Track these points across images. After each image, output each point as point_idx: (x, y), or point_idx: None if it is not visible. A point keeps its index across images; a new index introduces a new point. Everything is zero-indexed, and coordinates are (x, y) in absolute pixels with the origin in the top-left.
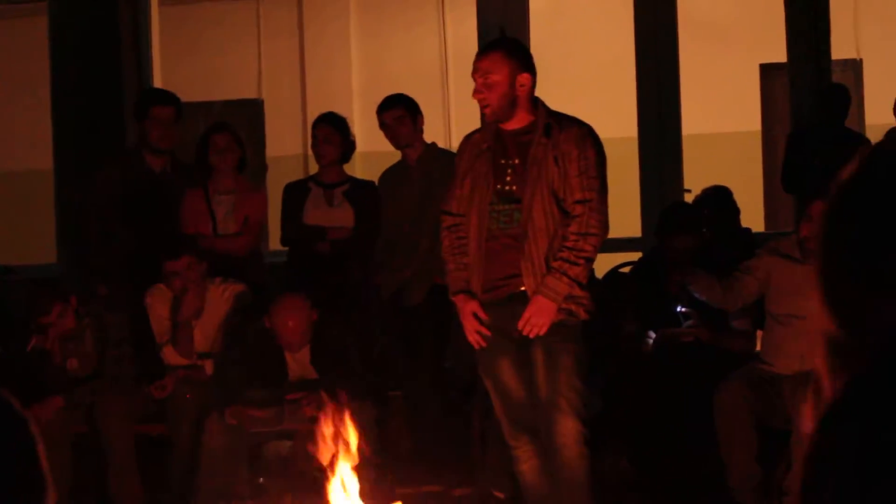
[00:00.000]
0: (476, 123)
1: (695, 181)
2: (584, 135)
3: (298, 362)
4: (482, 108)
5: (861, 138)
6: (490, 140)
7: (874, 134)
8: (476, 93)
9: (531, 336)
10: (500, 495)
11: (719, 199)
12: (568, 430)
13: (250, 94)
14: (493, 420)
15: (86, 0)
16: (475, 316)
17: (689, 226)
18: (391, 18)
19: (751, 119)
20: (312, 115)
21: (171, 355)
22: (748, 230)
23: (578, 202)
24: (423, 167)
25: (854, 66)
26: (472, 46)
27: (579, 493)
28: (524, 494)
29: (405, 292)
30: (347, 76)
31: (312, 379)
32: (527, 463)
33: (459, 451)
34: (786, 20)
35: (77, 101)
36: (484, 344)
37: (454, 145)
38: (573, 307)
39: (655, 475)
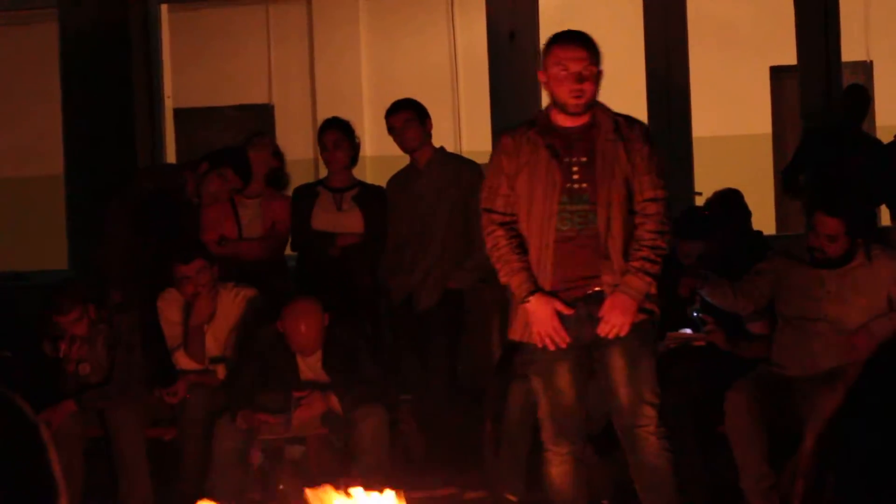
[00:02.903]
0: (485, 127)
1: (705, 184)
2: (647, 132)
3: (310, 366)
4: (575, 99)
5: (874, 141)
6: (549, 137)
7: (885, 135)
8: (578, 81)
9: (611, 336)
10: (513, 498)
11: (730, 202)
12: (654, 439)
13: (260, 98)
14: (505, 423)
15: (95, 5)
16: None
17: (702, 231)
18: (401, 23)
19: (761, 122)
20: (323, 120)
21: (182, 360)
22: (759, 233)
23: (651, 200)
24: (433, 171)
25: (865, 69)
26: (482, 50)
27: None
28: (550, 498)
29: (417, 296)
30: (357, 80)
31: (324, 382)
32: (559, 468)
33: (472, 455)
34: (796, 22)
35: (87, 107)
36: (563, 346)
37: (464, 149)
38: (650, 305)
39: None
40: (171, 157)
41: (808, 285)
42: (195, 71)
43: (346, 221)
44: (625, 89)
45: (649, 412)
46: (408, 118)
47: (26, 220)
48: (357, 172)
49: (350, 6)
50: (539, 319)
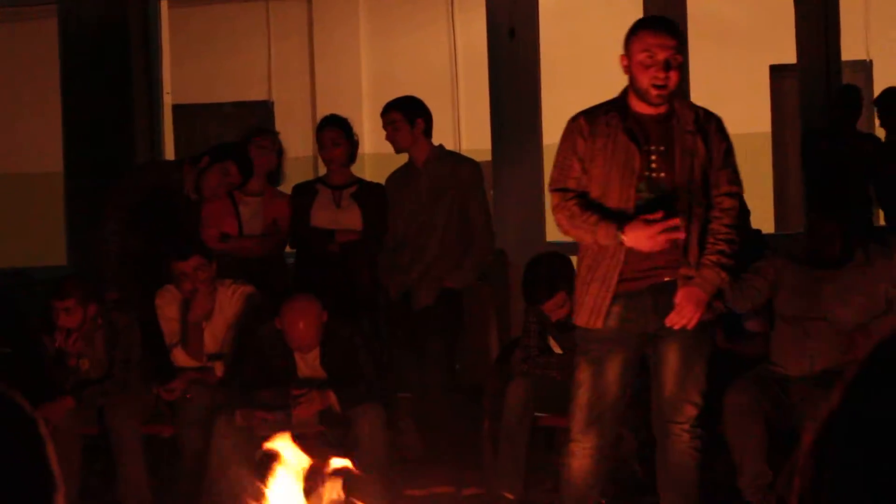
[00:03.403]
0: (484, 125)
1: None
2: (723, 126)
3: (308, 364)
4: (657, 88)
5: (873, 139)
6: (627, 122)
7: (883, 134)
8: (664, 69)
9: (676, 328)
10: (510, 496)
11: None
12: (687, 437)
13: (260, 95)
14: (503, 421)
15: (95, 2)
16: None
17: None
18: (400, 20)
19: (761, 120)
20: (322, 117)
21: (180, 357)
22: (758, 232)
23: (727, 195)
24: (431, 169)
25: (864, 68)
26: (482, 48)
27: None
28: (563, 486)
29: (414, 294)
30: (357, 78)
31: (322, 380)
32: (579, 461)
33: (469, 453)
34: (796, 21)
35: (87, 103)
36: (681, 235)
37: (463, 147)
38: (717, 303)
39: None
40: (170, 153)
41: (807, 285)
42: (195, 67)
43: (345, 218)
44: (623, 86)
45: (690, 412)
46: (393, 119)
47: (26, 216)
48: (355, 170)
49: (350, 3)
50: (643, 238)
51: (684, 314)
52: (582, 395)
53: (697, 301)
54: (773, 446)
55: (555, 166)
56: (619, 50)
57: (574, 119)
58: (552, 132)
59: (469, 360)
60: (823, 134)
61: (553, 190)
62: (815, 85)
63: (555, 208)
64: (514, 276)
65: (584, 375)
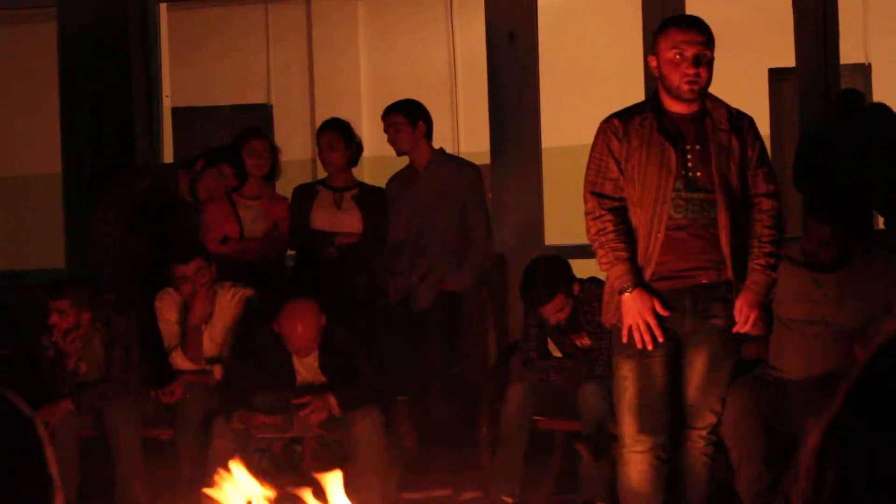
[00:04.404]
0: (483, 128)
1: None
2: (755, 125)
3: (307, 367)
4: (690, 83)
5: (872, 141)
6: (662, 121)
7: None
8: (694, 65)
9: (742, 331)
10: (509, 500)
11: None
12: (703, 443)
13: (259, 98)
14: (501, 424)
15: (94, 4)
16: (654, 312)
17: None
18: (399, 23)
19: (759, 123)
20: (321, 120)
21: (179, 360)
22: None
23: (765, 195)
24: (431, 172)
25: (863, 71)
26: (481, 51)
27: None
28: (622, 497)
29: (413, 297)
30: (356, 81)
31: (320, 383)
32: (636, 467)
33: (468, 456)
34: (794, 24)
35: (86, 105)
36: (650, 347)
37: (462, 150)
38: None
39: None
40: (168, 156)
41: (805, 288)
42: (194, 70)
43: (345, 221)
44: (623, 89)
45: (710, 419)
46: (395, 122)
47: (24, 218)
48: (355, 172)
49: (349, 6)
50: (634, 313)
51: (749, 321)
52: (628, 390)
53: (754, 305)
54: (772, 449)
55: (590, 168)
56: (619, 53)
57: (607, 120)
58: (551, 135)
59: (467, 364)
60: (822, 137)
61: (589, 192)
62: (814, 88)
63: (587, 214)
64: (513, 280)
65: (626, 371)
